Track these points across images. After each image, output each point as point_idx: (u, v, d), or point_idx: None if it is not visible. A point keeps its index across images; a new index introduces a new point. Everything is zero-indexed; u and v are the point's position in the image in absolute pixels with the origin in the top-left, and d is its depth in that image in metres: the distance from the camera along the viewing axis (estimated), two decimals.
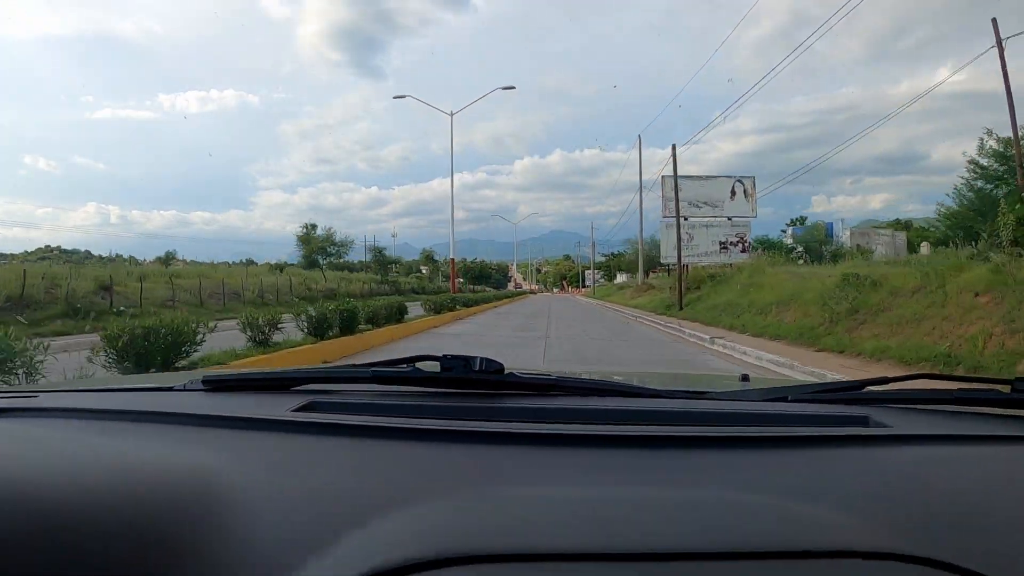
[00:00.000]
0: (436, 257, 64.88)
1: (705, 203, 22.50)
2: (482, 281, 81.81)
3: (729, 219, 22.80)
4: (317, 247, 34.51)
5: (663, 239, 22.63)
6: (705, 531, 0.47)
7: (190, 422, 0.73)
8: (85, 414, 0.77)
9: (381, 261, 44.42)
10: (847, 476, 0.60)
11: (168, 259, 40.78)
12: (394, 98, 17.90)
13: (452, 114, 18.38)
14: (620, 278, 76.97)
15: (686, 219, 21.94)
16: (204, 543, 0.42)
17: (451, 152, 19.24)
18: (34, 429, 0.65)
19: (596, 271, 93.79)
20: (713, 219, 22.74)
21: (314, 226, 34.77)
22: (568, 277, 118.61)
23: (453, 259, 19.41)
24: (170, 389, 0.95)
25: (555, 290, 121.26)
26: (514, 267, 57.40)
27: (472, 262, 77.27)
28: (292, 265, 38.05)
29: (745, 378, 1.21)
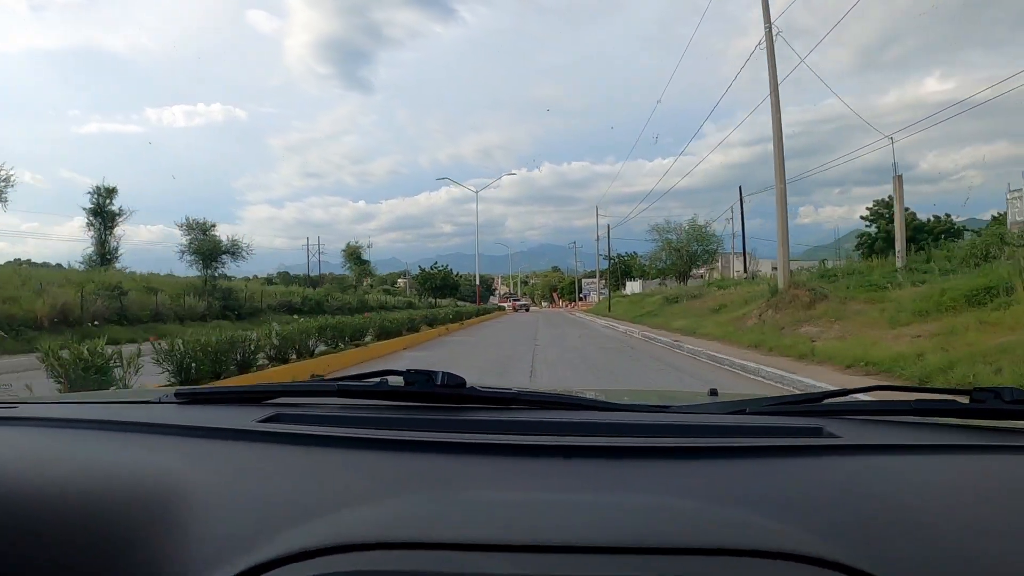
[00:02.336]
0: (365, 257, 43.93)
1: None
2: (448, 293, 60.73)
3: None
4: None
5: None
6: (616, 529, 0.48)
7: (159, 431, 0.76)
8: (60, 423, 0.81)
9: (204, 255, 22.81)
10: (788, 484, 0.61)
11: None
12: None
13: None
14: (632, 286, 56.28)
15: None
16: (154, 538, 0.46)
17: None
18: (11, 436, 0.71)
19: (591, 280, 72.93)
20: None
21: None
22: (559, 288, 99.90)
23: None
24: (145, 402, 0.99)
25: (544, 304, 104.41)
26: (478, 274, 36.92)
27: (433, 269, 55.52)
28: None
29: (714, 392, 1.20)
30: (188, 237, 23.22)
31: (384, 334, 12.68)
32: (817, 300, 11.12)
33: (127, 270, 26.32)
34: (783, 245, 12.57)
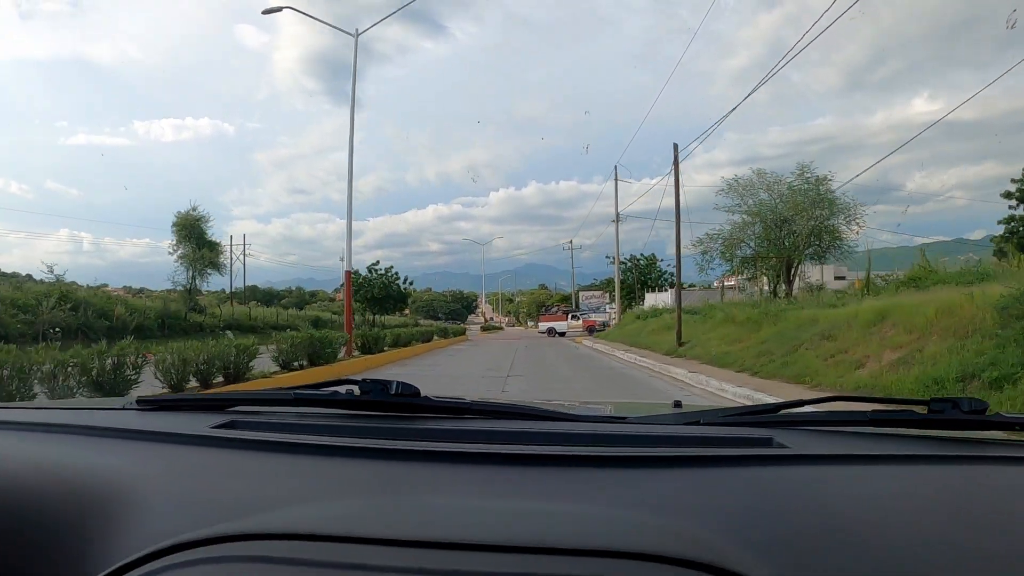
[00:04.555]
0: (222, 249, 25.21)
1: None
2: (393, 307, 42.38)
3: None
4: None
5: None
6: (525, 531, 0.47)
7: (114, 435, 0.79)
8: (16, 426, 0.85)
9: None
10: (730, 494, 0.61)
11: None
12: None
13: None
14: (659, 298, 38.14)
15: None
16: (85, 532, 0.50)
17: None
18: None
19: (593, 293, 54.65)
20: None
21: None
22: (548, 306, 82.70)
23: None
24: (108, 409, 1.01)
25: (530, 324, 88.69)
26: (349, 234, 19.29)
27: (374, 274, 37.10)
28: None
29: (678, 404, 1.18)
30: None
31: None
32: None
33: None
34: None
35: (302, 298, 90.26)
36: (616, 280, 32.00)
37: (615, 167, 28.26)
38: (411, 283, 42.60)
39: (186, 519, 0.51)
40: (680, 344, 13.74)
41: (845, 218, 21.10)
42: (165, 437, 0.76)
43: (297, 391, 0.91)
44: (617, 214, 28.33)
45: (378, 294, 39.38)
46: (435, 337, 23.51)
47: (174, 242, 24.61)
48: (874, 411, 0.83)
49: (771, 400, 6.36)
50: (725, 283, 32.00)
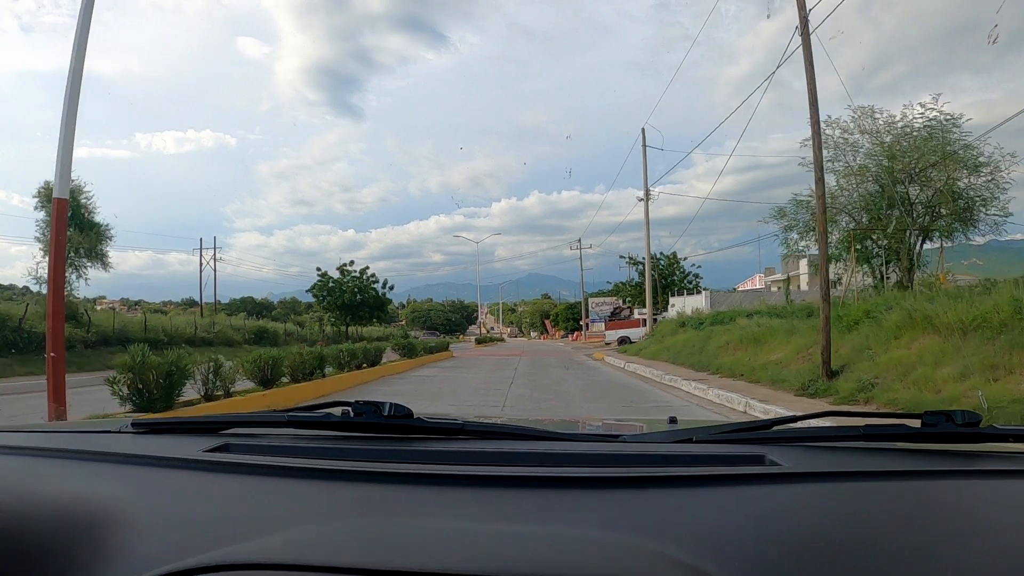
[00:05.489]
0: (109, 234, 19.08)
1: None
2: (372, 315, 35.55)
3: None
4: None
5: None
6: (506, 556, 0.47)
7: (108, 459, 0.80)
8: (16, 451, 0.86)
9: None
10: (721, 514, 0.60)
11: None
12: None
13: None
14: (681, 303, 31.00)
15: None
16: (74, 557, 0.50)
17: None
18: None
19: (604, 300, 47.96)
20: None
21: None
22: (553, 315, 76.64)
23: None
24: (105, 432, 1.01)
25: (534, 335, 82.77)
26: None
27: (346, 276, 29.96)
28: None
29: (673, 420, 1.17)
30: None
31: None
32: None
33: None
34: None
35: (293, 309, 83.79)
36: (647, 277, 24.73)
37: (642, 130, 21.63)
38: (391, 287, 35.68)
39: (178, 545, 0.51)
40: (830, 375, 6.94)
41: (987, 177, 14.35)
42: (158, 461, 0.76)
43: (290, 414, 0.93)
44: (647, 190, 21.52)
45: (349, 300, 32.61)
46: (388, 353, 16.42)
47: (41, 221, 17.94)
48: (867, 426, 0.81)
49: None
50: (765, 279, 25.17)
